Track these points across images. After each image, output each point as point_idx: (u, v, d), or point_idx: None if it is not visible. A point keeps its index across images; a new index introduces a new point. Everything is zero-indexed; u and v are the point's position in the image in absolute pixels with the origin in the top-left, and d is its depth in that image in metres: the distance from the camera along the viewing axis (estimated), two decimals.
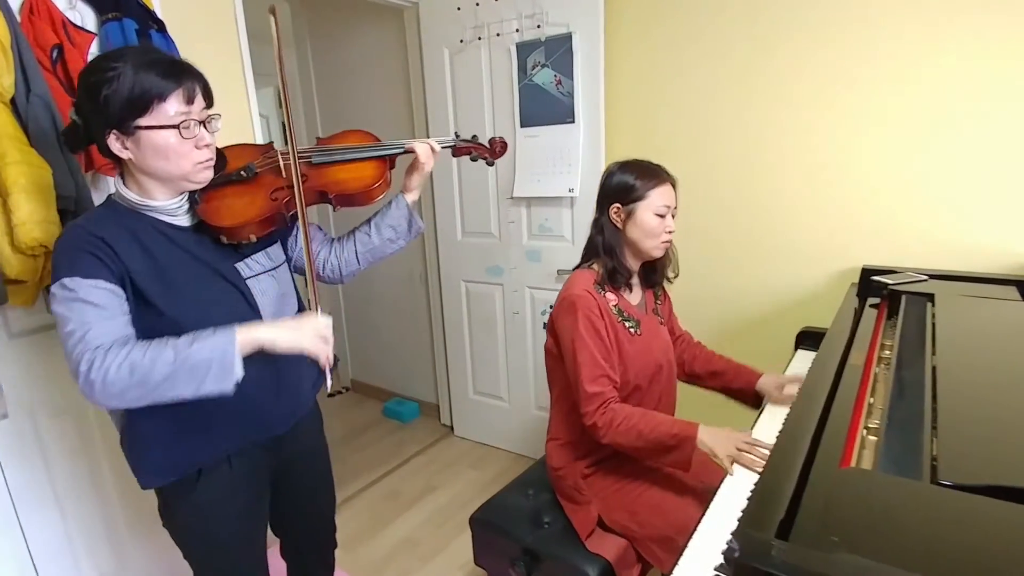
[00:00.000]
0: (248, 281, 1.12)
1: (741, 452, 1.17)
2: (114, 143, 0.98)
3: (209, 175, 1.06)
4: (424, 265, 2.90)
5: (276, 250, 1.22)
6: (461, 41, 2.37)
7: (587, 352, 1.32)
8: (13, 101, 1.32)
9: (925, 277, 1.65)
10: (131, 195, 1.04)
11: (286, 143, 1.12)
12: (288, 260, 1.26)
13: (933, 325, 1.26)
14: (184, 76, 0.98)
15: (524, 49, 2.22)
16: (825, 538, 0.63)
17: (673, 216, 1.39)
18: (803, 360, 1.71)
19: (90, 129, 1.00)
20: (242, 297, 1.11)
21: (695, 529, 1.03)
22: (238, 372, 0.97)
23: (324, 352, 1.04)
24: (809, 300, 2.04)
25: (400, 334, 3.22)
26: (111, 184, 1.58)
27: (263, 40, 2.66)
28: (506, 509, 1.56)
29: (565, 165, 2.23)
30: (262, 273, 1.16)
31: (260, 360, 1.04)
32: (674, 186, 1.39)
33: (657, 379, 1.45)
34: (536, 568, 1.42)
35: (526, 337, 2.58)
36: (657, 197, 1.35)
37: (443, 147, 1.33)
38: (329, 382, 1.10)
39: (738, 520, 0.73)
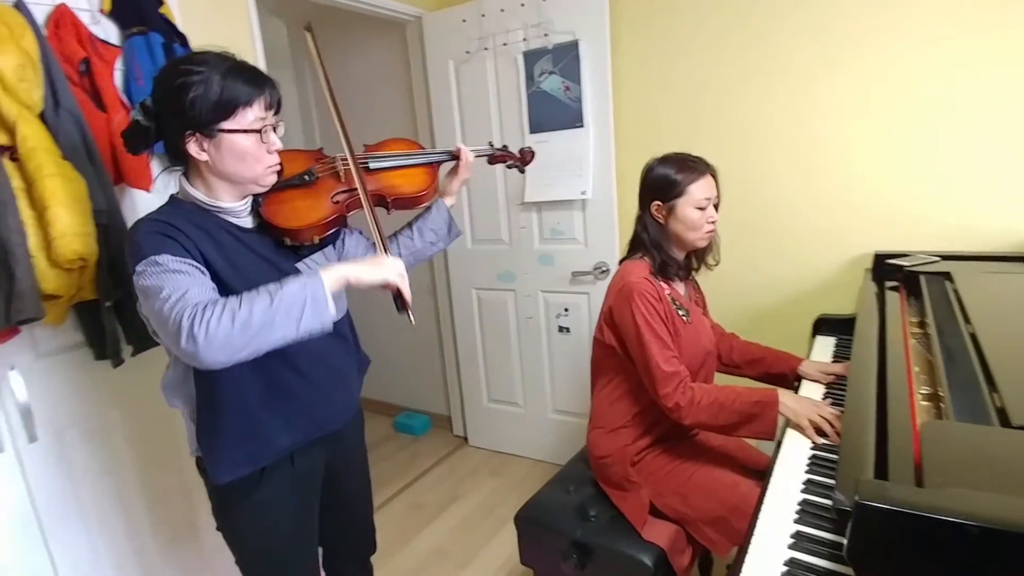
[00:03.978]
0: None
1: (824, 419, 1.17)
2: (193, 145, 1.00)
3: (274, 179, 1.09)
4: (431, 276, 2.90)
5: (330, 252, 1.25)
6: (467, 52, 2.41)
7: (654, 335, 1.33)
8: (43, 115, 1.31)
9: (937, 259, 1.72)
10: (198, 194, 1.06)
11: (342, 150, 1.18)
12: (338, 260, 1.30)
13: (958, 299, 1.32)
14: (266, 84, 1.03)
15: (531, 57, 2.27)
16: (930, 480, 0.66)
17: (716, 206, 1.42)
18: (823, 346, 1.75)
19: (164, 130, 1.01)
20: None
21: (759, 506, 1.05)
22: (331, 308, 0.97)
23: (405, 285, 1.06)
24: (822, 289, 2.09)
25: (406, 347, 3.21)
26: (134, 197, 1.57)
27: (278, 64, 2.66)
28: (550, 506, 1.56)
29: (576, 168, 2.27)
30: None
31: (318, 353, 1.10)
32: (714, 176, 1.41)
33: (705, 366, 1.47)
34: (588, 560, 1.42)
35: (540, 341, 2.59)
36: (697, 191, 1.37)
37: (477, 156, 1.42)
38: (412, 317, 1.08)
39: (835, 477, 0.75)
